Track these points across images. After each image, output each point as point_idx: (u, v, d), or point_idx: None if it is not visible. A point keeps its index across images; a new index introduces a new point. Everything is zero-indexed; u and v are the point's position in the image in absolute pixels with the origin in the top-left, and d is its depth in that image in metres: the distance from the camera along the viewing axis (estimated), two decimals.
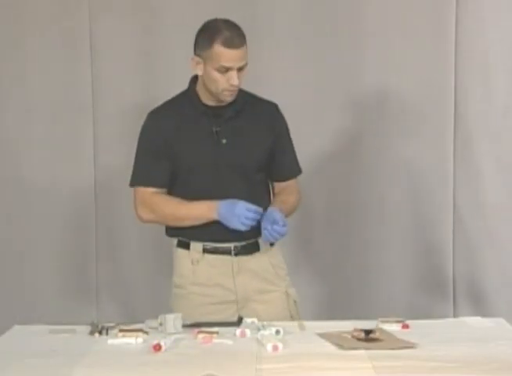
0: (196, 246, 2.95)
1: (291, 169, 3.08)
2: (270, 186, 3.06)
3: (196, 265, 2.96)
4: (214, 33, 2.79)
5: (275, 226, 2.78)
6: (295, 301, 3.02)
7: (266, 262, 2.99)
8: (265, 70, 3.81)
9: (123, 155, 3.97)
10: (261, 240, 2.95)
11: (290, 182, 3.07)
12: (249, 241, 2.94)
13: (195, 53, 2.84)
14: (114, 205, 4.00)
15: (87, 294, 4.01)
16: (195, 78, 2.93)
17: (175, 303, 3.01)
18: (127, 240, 4.01)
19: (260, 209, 2.80)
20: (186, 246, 2.97)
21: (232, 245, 2.92)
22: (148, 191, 2.95)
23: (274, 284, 3.00)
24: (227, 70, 2.79)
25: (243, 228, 2.81)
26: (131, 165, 3.95)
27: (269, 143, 2.96)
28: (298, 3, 3.88)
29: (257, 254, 2.96)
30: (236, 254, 2.94)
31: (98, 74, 3.95)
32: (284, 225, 2.80)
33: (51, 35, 3.93)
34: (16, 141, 3.99)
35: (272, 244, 3.00)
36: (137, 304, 3.95)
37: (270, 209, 2.84)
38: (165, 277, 3.98)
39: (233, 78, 2.79)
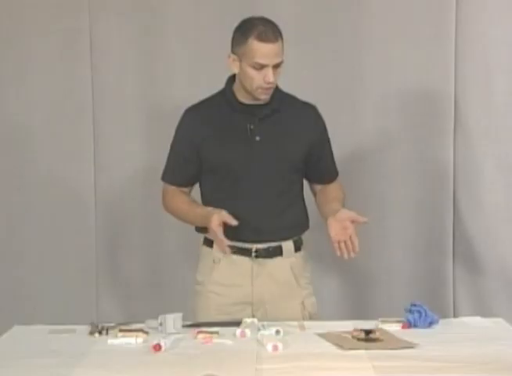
0: None
1: (330, 173, 3.08)
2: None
3: (217, 263, 2.95)
4: (249, 28, 2.80)
5: None
6: (310, 314, 3.00)
7: (287, 269, 2.97)
8: None
9: (123, 155, 3.98)
10: (284, 245, 2.94)
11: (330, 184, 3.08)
12: (271, 244, 2.93)
13: (231, 51, 2.85)
14: (114, 205, 4.00)
15: (87, 294, 4.00)
16: (232, 78, 2.93)
17: (195, 300, 3.02)
18: (127, 240, 4.01)
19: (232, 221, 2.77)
20: (210, 244, 2.96)
21: (253, 247, 2.92)
22: (171, 186, 3.01)
23: (292, 293, 2.97)
24: (262, 67, 2.78)
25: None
26: (131, 165, 3.99)
27: (306, 145, 2.94)
28: (298, 4, 3.88)
29: (278, 259, 2.94)
30: (256, 257, 2.92)
31: (98, 74, 3.94)
32: None
33: (51, 35, 3.92)
34: (15, 141, 3.99)
35: (297, 250, 2.99)
36: (137, 304, 3.94)
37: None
38: (165, 277, 4.00)
39: (268, 75, 2.78)
